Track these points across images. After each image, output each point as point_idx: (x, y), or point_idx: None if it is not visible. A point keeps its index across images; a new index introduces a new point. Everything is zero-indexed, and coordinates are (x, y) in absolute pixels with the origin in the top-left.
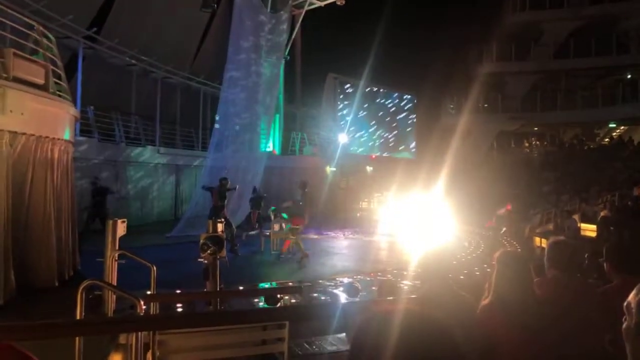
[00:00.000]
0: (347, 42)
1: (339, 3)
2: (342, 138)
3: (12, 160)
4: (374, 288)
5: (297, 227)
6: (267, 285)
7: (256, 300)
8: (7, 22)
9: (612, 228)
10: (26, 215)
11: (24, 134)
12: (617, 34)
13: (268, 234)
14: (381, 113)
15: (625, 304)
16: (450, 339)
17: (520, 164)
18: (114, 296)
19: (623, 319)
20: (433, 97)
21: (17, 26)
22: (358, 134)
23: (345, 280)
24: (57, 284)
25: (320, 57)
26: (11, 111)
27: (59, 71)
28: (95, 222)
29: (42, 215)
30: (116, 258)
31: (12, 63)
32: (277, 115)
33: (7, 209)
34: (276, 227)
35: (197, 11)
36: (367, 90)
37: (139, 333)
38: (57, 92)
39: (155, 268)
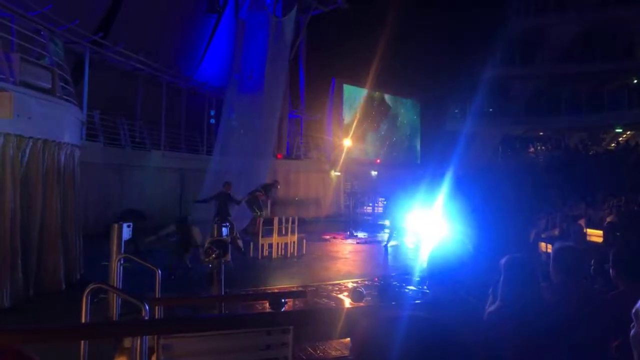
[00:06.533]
0: (352, 47)
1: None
2: (347, 142)
3: (20, 164)
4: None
5: None
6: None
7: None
8: (14, 26)
9: (618, 234)
10: (34, 219)
11: (30, 137)
12: (622, 39)
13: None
14: (386, 117)
15: (633, 310)
16: (456, 345)
17: (525, 168)
18: (119, 300)
19: (631, 326)
20: (438, 102)
21: (24, 31)
22: (362, 138)
23: (350, 284)
24: (64, 287)
25: (325, 62)
26: (18, 115)
27: (65, 75)
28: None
29: (50, 219)
30: (121, 262)
31: (19, 67)
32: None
33: (16, 213)
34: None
35: (202, 15)
36: (372, 94)
37: (144, 337)
38: (64, 97)
39: (160, 272)
